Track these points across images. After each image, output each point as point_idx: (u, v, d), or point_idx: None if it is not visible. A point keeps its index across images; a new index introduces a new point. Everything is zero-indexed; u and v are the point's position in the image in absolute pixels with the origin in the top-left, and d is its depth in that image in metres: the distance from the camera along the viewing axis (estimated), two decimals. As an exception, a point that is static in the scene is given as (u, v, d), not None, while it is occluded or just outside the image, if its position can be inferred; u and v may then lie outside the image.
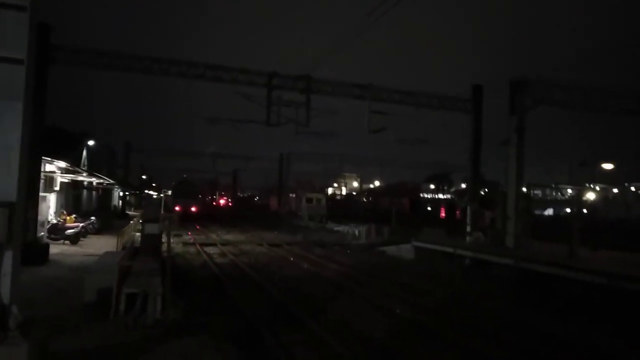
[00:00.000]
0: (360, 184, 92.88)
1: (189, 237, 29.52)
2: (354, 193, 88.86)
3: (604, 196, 51.73)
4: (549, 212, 52.92)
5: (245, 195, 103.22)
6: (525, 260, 16.53)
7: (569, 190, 38.38)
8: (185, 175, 72.12)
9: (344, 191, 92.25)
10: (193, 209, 53.54)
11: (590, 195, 45.31)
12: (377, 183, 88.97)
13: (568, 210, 37.42)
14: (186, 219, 37.61)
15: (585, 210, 34.31)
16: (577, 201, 28.56)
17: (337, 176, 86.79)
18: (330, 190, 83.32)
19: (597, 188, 48.76)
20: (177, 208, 48.57)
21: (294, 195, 58.86)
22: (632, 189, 51.56)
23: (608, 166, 38.85)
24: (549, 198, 57.59)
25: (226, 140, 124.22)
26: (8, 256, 5.36)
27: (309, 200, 49.29)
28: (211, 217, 50.38)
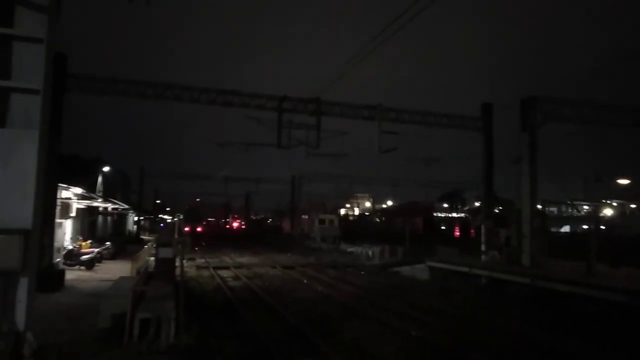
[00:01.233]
0: (373, 204, 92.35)
1: (196, 253, 33.15)
2: (367, 213, 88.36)
3: (621, 212, 50.77)
4: (566, 229, 52.06)
5: (258, 217, 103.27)
6: (542, 279, 16.25)
7: (585, 207, 37.81)
8: (198, 199, 79.40)
9: (356, 212, 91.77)
10: (199, 229, 72.39)
11: (608, 211, 44.52)
12: (389, 203, 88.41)
13: (585, 226, 36.80)
14: (194, 237, 47.22)
15: (602, 227, 33.70)
16: (594, 217, 28.15)
17: (349, 197, 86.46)
18: (342, 211, 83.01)
19: (614, 204, 47.90)
20: (186, 229, 54.00)
21: (306, 217, 58.71)
22: (650, 204, 50.69)
23: (624, 181, 38.31)
24: (564, 215, 56.63)
25: (238, 163, 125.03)
26: (23, 283, 5.37)
27: (322, 222, 49.13)
28: (220, 237, 57.47)
